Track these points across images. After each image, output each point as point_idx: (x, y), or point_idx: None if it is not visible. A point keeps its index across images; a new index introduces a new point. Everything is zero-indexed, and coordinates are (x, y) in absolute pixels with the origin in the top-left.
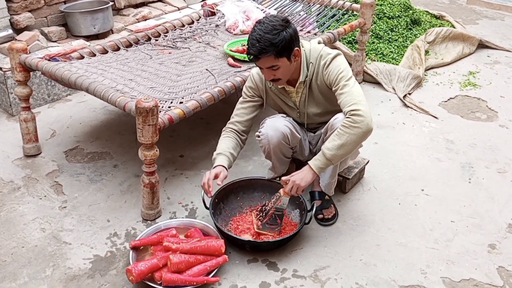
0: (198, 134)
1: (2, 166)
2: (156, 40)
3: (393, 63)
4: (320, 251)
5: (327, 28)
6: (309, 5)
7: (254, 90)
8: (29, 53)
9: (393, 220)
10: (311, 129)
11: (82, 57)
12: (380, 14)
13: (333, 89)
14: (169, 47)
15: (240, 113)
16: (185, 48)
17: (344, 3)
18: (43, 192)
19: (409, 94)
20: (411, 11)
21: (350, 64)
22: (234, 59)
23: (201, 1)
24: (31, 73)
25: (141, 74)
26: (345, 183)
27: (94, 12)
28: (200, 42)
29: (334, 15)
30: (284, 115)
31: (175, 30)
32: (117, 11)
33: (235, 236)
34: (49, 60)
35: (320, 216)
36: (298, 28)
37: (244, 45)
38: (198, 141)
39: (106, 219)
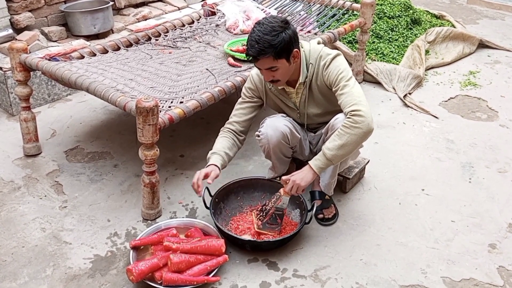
0: (198, 133)
1: (2, 166)
2: (157, 39)
3: (393, 63)
4: (321, 251)
5: (327, 27)
6: (309, 5)
7: (254, 91)
8: (29, 52)
9: (393, 219)
10: (311, 129)
11: (82, 57)
12: (381, 13)
13: (333, 89)
14: (170, 46)
15: (239, 113)
16: (186, 47)
17: (344, 2)
18: (44, 192)
19: (410, 93)
20: (411, 11)
21: (350, 64)
22: (235, 58)
23: (201, 1)
24: (31, 73)
25: (142, 73)
26: (346, 183)
27: (94, 12)
28: (200, 42)
29: (334, 15)
30: (284, 115)
31: (176, 29)
32: (117, 10)
33: (235, 235)
34: (49, 60)
35: (321, 215)
36: (298, 28)
37: (244, 45)
38: (199, 141)
39: (107, 219)
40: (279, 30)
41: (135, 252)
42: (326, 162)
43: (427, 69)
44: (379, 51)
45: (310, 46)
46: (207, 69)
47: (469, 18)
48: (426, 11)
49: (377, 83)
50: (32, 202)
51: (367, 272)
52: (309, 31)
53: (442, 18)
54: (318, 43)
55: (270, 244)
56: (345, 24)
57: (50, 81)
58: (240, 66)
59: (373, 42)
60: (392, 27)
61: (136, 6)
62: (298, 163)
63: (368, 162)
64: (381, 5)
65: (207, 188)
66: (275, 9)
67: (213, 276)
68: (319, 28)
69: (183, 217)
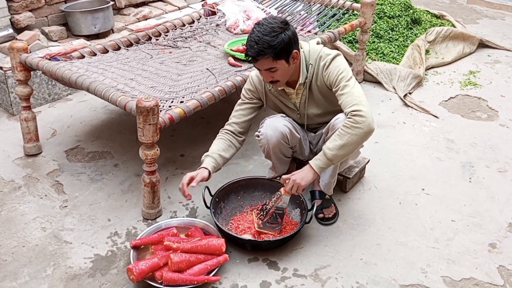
0: (198, 133)
1: (2, 165)
2: (157, 39)
3: (393, 63)
4: (321, 250)
5: (327, 27)
6: (310, 5)
7: (253, 93)
8: (30, 52)
9: (393, 219)
10: (311, 129)
11: (82, 57)
12: (381, 13)
13: (334, 89)
14: (170, 46)
15: (238, 114)
16: (186, 47)
17: (344, 2)
18: (44, 192)
19: (410, 93)
20: (411, 11)
21: (351, 64)
22: (235, 58)
23: (201, 1)
24: (31, 72)
25: (142, 73)
26: (346, 182)
27: (94, 12)
28: (200, 42)
29: (334, 15)
30: (284, 115)
31: (176, 29)
32: (117, 10)
33: (235, 235)
34: (49, 59)
35: (321, 215)
36: (299, 28)
37: (245, 45)
38: (199, 141)
39: (107, 218)
40: (279, 31)
41: (136, 252)
42: (327, 162)
43: (427, 69)
44: (379, 50)
45: (310, 47)
46: (207, 69)
47: (469, 17)
48: (426, 11)
49: (377, 82)
50: (32, 201)
51: (368, 271)
52: (309, 31)
53: (442, 18)
54: (318, 43)
55: (270, 244)
56: (345, 23)
57: (50, 81)
58: (241, 66)
59: (373, 42)
60: (392, 26)
61: (137, 5)
62: (298, 163)
63: (368, 161)
64: (381, 4)
65: (207, 187)
66: (275, 8)
67: (213, 275)
68: (319, 27)
69: (183, 217)
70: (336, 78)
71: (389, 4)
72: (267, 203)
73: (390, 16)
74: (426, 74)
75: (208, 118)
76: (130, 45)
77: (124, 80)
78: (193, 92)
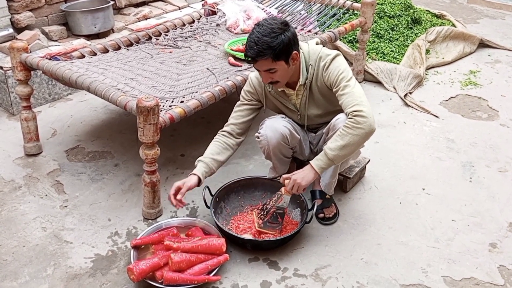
0: (199, 133)
1: (3, 165)
2: (157, 39)
3: (394, 62)
4: (321, 250)
5: (327, 27)
6: (310, 4)
7: (253, 95)
8: (30, 52)
9: (394, 219)
10: (311, 129)
11: (83, 56)
12: (381, 13)
13: (334, 90)
14: (170, 46)
15: (237, 115)
16: (186, 47)
17: (345, 2)
18: (44, 191)
19: (410, 93)
20: (411, 10)
21: (351, 63)
22: (235, 58)
23: (201, 0)
24: (32, 72)
25: (142, 73)
26: (346, 182)
27: (94, 11)
28: (201, 41)
29: (335, 14)
30: (284, 116)
31: (176, 29)
32: (117, 10)
33: (236, 235)
34: (50, 59)
35: (321, 215)
36: (299, 27)
37: (245, 45)
38: (199, 140)
39: (107, 218)
40: (279, 32)
41: (136, 252)
42: (328, 162)
43: (427, 69)
44: (379, 50)
45: (309, 47)
46: (207, 69)
47: (470, 17)
48: (426, 10)
49: (378, 82)
50: (32, 201)
51: (368, 271)
52: (309, 31)
53: (443, 18)
54: (317, 43)
55: (270, 243)
56: (345, 23)
57: (50, 81)
58: (241, 66)
59: (374, 42)
60: (392, 26)
61: (137, 5)
62: (298, 163)
63: (369, 161)
64: (381, 4)
65: (207, 187)
66: (276, 8)
67: (213, 275)
68: (319, 27)
69: (183, 217)
70: (337, 79)
71: (390, 4)
72: (267, 202)
73: (391, 15)
74: (426, 74)
75: (208, 117)
76: (130, 44)
77: (125, 80)
78: (194, 91)
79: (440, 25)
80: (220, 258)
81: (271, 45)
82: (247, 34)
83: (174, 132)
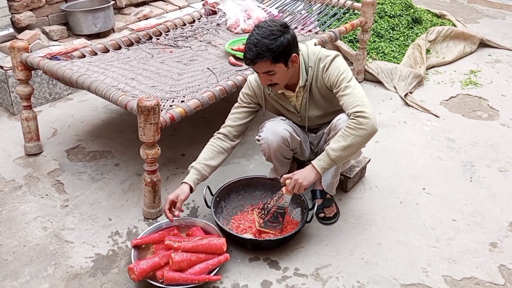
0: (199, 132)
1: (3, 165)
2: (158, 39)
3: (394, 62)
4: (322, 250)
5: (328, 27)
6: (310, 4)
7: (251, 97)
8: (30, 52)
9: (394, 218)
10: (312, 130)
11: (83, 56)
12: (381, 13)
13: (334, 91)
14: (171, 46)
15: (234, 117)
16: (187, 47)
17: (345, 2)
18: (45, 191)
19: (410, 93)
20: (412, 10)
21: (351, 63)
22: (235, 58)
23: (202, 0)
24: (32, 72)
25: (143, 73)
26: (347, 182)
27: (95, 11)
28: (201, 41)
29: (335, 14)
30: (284, 118)
31: (176, 29)
32: (118, 10)
33: (236, 234)
34: (50, 59)
35: (322, 214)
36: (299, 27)
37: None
38: (200, 140)
39: (108, 218)
40: (278, 34)
41: (137, 251)
42: (330, 162)
43: (428, 68)
44: (380, 50)
45: (308, 49)
46: (208, 68)
47: (470, 17)
48: (427, 10)
49: (378, 82)
50: (33, 201)
51: (368, 271)
52: (310, 30)
53: (443, 17)
54: (315, 44)
55: (271, 243)
56: (346, 23)
57: (51, 80)
58: (241, 65)
59: (374, 41)
60: (393, 26)
61: (137, 5)
62: (299, 163)
63: (369, 161)
64: (382, 4)
65: (208, 187)
66: (276, 8)
67: (214, 275)
68: (320, 27)
69: (184, 216)
70: (337, 80)
71: (390, 4)
72: (268, 202)
73: (391, 15)
74: (427, 74)
75: (209, 117)
76: (131, 44)
77: (125, 80)
78: (194, 91)
79: (440, 25)
80: (220, 258)
81: (270, 47)
82: (248, 34)
83: (174, 131)
